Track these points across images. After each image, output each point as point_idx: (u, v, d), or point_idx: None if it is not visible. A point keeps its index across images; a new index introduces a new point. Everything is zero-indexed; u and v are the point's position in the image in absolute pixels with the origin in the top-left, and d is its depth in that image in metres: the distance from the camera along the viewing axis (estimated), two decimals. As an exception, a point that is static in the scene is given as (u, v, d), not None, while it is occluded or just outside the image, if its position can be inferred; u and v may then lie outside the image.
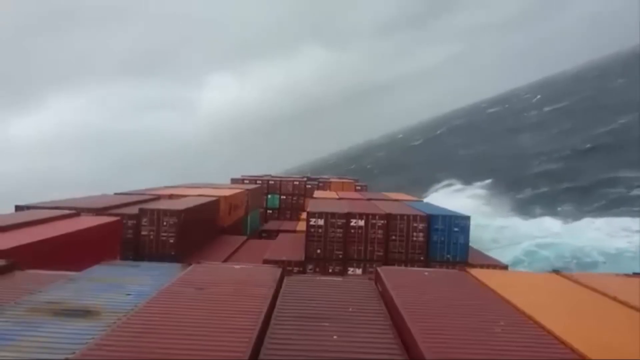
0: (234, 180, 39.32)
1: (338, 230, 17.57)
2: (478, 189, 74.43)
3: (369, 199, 24.53)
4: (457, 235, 17.51)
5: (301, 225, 24.32)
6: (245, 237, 23.87)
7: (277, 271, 7.24)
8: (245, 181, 38.68)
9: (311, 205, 20.03)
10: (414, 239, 17.56)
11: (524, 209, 59.48)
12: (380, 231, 17.59)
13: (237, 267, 8.19)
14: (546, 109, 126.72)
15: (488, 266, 16.48)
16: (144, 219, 17.69)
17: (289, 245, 19.85)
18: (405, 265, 16.77)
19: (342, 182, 41.29)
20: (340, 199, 24.89)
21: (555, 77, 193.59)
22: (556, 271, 8.20)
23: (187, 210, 18.79)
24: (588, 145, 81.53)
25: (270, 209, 38.20)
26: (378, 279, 7.18)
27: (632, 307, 5.97)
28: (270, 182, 39.35)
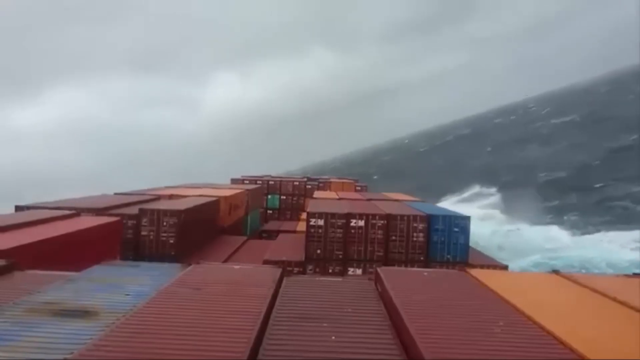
0: (234, 181, 39.34)
1: (338, 230, 17.56)
2: (485, 199, 74.65)
3: (369, 199, 24.53)
4: (457, 235, 17.50)
5: (301, 226, 24.31)
6: (245, 238, 23.88)
7: (277, 271, 7.23)
8: (246, 181, 38.70)
9: (311, 206, 20.03)
10: (414, 239, 17.54)
11: (532, 218, 59.76)
12: (380, 231, 17.58)
13: (236, 267, 8.20)
14: (554, 121, 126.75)
15: (488, 266, 16.46)
16: (144, 219, 17.70)
17: (289, 245, 19.84)
18: (406, 266, 16.76)
19: (342, 183, 41.31)
20: (340, 199, 24.88)
21: (565, 90, 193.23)
22: (556, 271, 8.18)
23: (187, 211, 18.79)
24: (597, 162, 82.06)
25: (270, 209, 38.23)
26: (377, 280, 7.17)
27: (631, 307, 5.95)
28: (271, 182, 39.37)
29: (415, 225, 17.62)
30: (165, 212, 17.91)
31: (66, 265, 8.12)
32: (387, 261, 17.08)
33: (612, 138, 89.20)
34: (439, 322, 5.26)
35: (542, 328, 5.15)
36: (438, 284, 7.11)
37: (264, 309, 5.43)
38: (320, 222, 17.60)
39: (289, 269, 14.35)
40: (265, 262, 15.83)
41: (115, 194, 23.27)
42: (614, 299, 6.30)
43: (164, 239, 17.66)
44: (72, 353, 4.06)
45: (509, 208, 65.30)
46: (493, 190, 79.19)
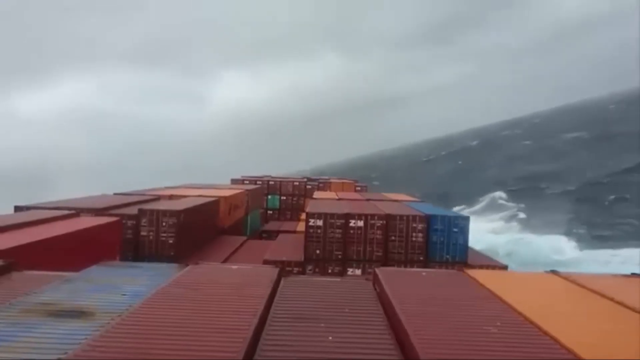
0: (234, 181, 39.32)
1: (337, 230, 17.55)
2: (495, 211, 74.96)
3: (368, 200, 24.51)
4: (456, 235, 17.48)
5: (301, 226, 24.27)
6: (245, 238, 23.89)
7: (274, 272, 7.23)
8: (245, 182, 38.69)
9: (310, 206, 20.02)
10: (414, 239, 17.53)
11: (540, 228, 59.98)
12: (379, 232, 17.57)
13: (234, 267, 8.19)
14: (566, 136, 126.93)
15: (487, 267, 16.46)
16: (144, 220, 17.70)
17: (288, 245, 19.82)
18: (405, 266, 16.74)
19: (342, 183, 41.28)
20: (339, 199, 24.87)
21: (573, 105, 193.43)
22: (554, 271, 8.17)
23: (187, 211, 18.80)
24: (606, 179, 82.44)
25: (270, 210, 38.24)
26: (375, 280, 7.17)
27: (628, 307, 5.95)
28: (271, 182, 39.36)
29: (414, 225, 17.60)
30: (165, 213, 17.92)
31: (65, 265, 8.11)
32: (386, 261, 17.07)
33: (620, 158, 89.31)
34: (435, 322, 5.26)
35: (538, 328, 5.15)
36: (436, 285, 7.11)
37: (260, 309, 5.42)
38: (319, 223, 17.58)
39: (288, 269, 14.37)
40: (265, 262, 15.81)
41: (115, 194, 23.29)
42: (612, 299, 6.29)
43: (163, 239, 17.67)
44: (66, 353, 4.06)
45: (519, 219, 65.72)
46: (502, 201, 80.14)
